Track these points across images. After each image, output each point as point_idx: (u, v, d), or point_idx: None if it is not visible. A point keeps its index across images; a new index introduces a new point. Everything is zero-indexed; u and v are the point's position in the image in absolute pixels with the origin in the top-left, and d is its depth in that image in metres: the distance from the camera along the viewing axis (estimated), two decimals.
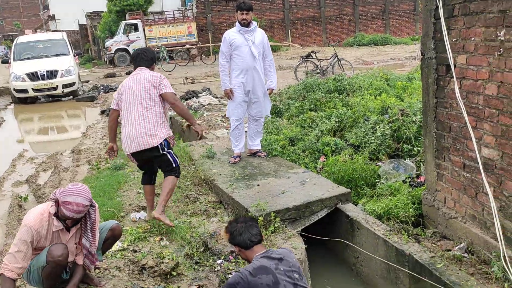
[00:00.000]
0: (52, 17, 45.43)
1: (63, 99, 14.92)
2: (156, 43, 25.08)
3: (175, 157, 4.22)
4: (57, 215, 3.02)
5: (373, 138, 5.90)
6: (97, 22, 33.20)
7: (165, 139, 4.10)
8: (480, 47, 3.38)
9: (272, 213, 4.08)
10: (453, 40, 3.71)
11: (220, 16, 31.75)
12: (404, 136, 5.98)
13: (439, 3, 3.76)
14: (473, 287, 3.12)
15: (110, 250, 3.64)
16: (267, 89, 5.82)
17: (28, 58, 15.46)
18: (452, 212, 3.98)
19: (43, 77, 14.35)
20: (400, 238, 3.88)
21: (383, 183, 5.01)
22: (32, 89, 14.39)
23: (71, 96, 15.07)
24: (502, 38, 3.13)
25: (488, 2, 3.25)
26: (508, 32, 3.08)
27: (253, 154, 5.95)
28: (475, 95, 3.50)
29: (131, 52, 26.42)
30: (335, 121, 6.69)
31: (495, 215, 3.17)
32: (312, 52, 14.49)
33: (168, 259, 3.60)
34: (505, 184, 3.28)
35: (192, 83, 15.75)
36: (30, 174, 6.34)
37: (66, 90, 14.67)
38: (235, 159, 5.81)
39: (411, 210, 4.44)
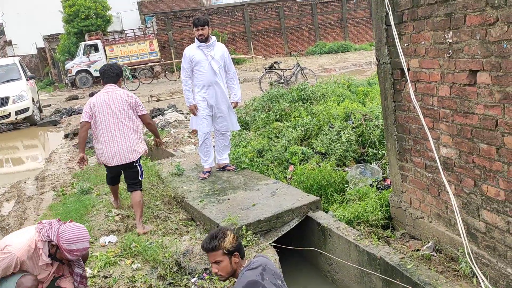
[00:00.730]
0: (9, 43, 44.34)
1: (21, 126, 14.34)
2: (118, 62, 24.83)
3: (142, 170, 4.85)
4: (51, 255, 3.05)
5: (338, 144, 6.00)
6: (55, 45, 32.61)
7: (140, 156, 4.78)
8: (431, 50, 3.50)
9: (243, 226, 4.09)
10: (405, 45, 3.83)
11: (181, 32, 31.76)
12: (369, 141, 6.11)
13: (389, 10, 3.89)
14: (443, 285, 3.19)
15: None
16: (231, 102, 5.82)
17: None
18: (418, 212, 4.07)
19: None
20: (370, 242, 3.94)
21: (351, 188, 5.09)
22: None
23: (28, 124, 14.47)
24: (450, 40, 3.26)
25: (434, 7, 3.38)
26: (455, 34, 3.20)
27: (222, 168, 5.94)
28: (430, 97, 3.62)
29: (93, 73, 26.20)
30: (301, 130, 6.78)
31: (456, 212, 3.27)
32: (274, 63, 14.65)
33: (141, 282, 3.55)
34: (464, 181, 3.38)
35: (157, 100, 15.64)
36: None
37: (20, 116, 13.94)
38: (204, 174, 5.79)
39: (379, 213, 4.52)
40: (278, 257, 3.91)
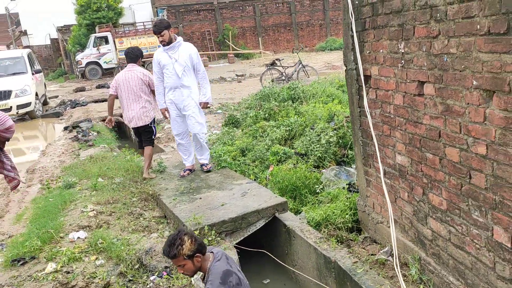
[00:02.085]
0: (24, 33, 44.96)
1: (26, 117, 14.30)
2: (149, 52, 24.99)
3: (155, 131, 6.30)
4: None
5: (318, 146, 6.06)
6: (68, 36, 32.98)
7: (153, 119, 6.13)
8: (387, 59, 3.54)
9: (206, 226, 4.18)
10: (367, 52, 3.87)
11: (192, 25, 31.92)
12: (350, 142, 6.15)
13: (352, 18, 3.93)
14: None
15: (43, 272, 3.70)
16: (200, 103, 5.76)
17: None
18: (379, 217, 4.13)
19: None
20: (329, 245, 4.01)
21: (321, 190, 5.15)
22: None
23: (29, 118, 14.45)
24: (402, 51, 3.29)
25: (390, 16, 3.41)
26: (406, 45, 3.24)
27: (201, 167, 6.04)
28: (387, 105, 3.66)
29: (103, 65, 26.49)
30: (285, 130, 6.84)
31: (391, 217, 3.32)
32: (276, 59, 14.69)
33: (99, 279, 3.67)
34: (415, 189, 3.43)
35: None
36: None
37: (21, 110, 13.92)
38: (184, 172, 5.89)
39: (347, 216, 4.58)
40: (238, 257, 3.99)
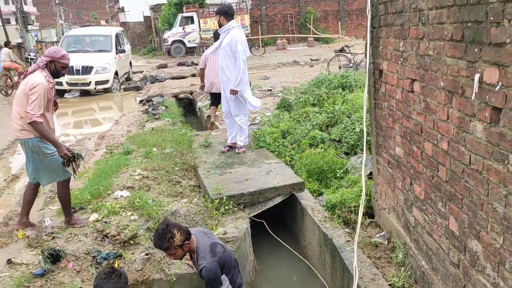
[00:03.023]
0: (122, 9, 48.09)
1: (113, 89, 15.31)
2: (209, 35, 26.09)
3: None
4: (53, 72, 4.38)
5: (352, 134, 6.31)
6: (158, 15, 34.92)
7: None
8: (393, 55, 3.78)
9: (225, 197, 4.71)
10: (380, 48, 4.11)
11: (274, 8, 32.24)
12: None
13: (368, 14, 4.17)
14: (365, 267, 3.58)
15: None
16: (231, 90, 6.01)
17: (72, 51, 15.03)
18: (383, 203, 4.39)
19: (78, 72, 14.35)
20: (331, 224, 4.36)
21: (341, 175, 5.45)
22: (66, 82, 14.36)
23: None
24: (402, 49, 3.53)
25: (395, 16, 3.64)
26: (404, 44, 3.47)
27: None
28: (392, 99, 3.90)
29: (187, 43, 27.86)
30: (326, 116, 7.13)
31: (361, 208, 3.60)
32: (345, 46, 14.70)
33: (128, 230, 4.36)
34: (406, 179, 3.68)
35: None
36: None
37: (99, 87, 14.65)
38: (225, 148, 6.46)
39: (360, 201, 4.87)
40: (247, 226, 4.48)
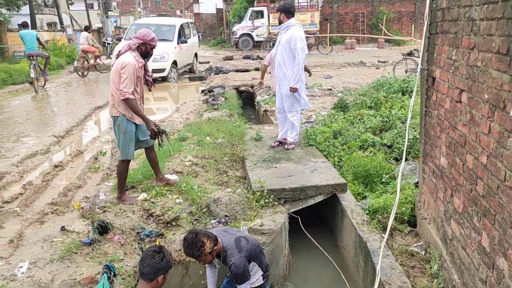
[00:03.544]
0: (196, 1, 49.42)
1: (171, 80, 15.33)
2: (275, 30, 26.22)
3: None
4: (141, 53, 4.76)
5: (405, 140, 6.18)
6: (230, 7, 35.57)
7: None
8: (445, 64, 3.70)
9: (266, 190, 4.83)
10: (435, 55, 4.03)
11: (346, 6, 31.76)
12: None
13: (425, 20, 4.10)
14: (395, 274, 3.56)
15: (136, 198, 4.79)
16: (290, 87, 6.10)
17: None
18: (425, 213, 4.32)
19: None
20: (368, 228, 4.36)
21: (385, 181, 5.38)
22: None
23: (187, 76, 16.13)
24: (454, 58, 3.45)
25: (450, 24, 3.56)
26: (456, 53, 3.40)
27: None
28: (441, 108, 3.83)
29: (255, 37, 28.19)
30: (381, 120, 7.04)
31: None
32: (414, 49, 14.26)
33: (172, 212, 4.60)
34: (447, 190, 3.61)
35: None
36: None
37: (155, 75, 14.29)
38: (274, 143, 6.57)
39: (403, 208, 4.81)
40: (284, 221, 4.58)
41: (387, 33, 29.69)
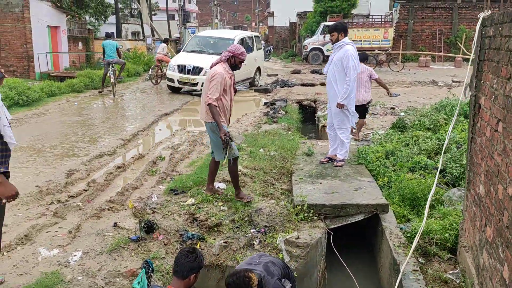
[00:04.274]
0: (271, 14, 50.37)
1: (242, 88, 16.01)
2: (361, 45, 26.04)
3: (368, 109, 8.80)
4: (231, 65, 5.20)
5: (458, 165, 6.05)
6: (303, 21, 35.91)
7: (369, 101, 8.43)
8: (488, 92, 3.67)
9: (306, 204, 4.96)
10: (481, 82, 3.99)
11: (423, 23, 30.96)
12: None
13: (473, 46, 4.08)
14: None
15: (184, 203, 5.12)
16: (337, 103, 6.18)
17: (193, 51, 15.92)
18: (465, 241, 4.25)
19: (188, 72, 14.75)
20: (403, 251, 4.35)
21: (442, 206, 5.29)
22: (178, 80, 14.94)
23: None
24: (495, 86, 3.43)
25: (494, 52, 3.54)
26: (496, 81, 3.37)
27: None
28: (483, 135, 3.79)
29: (325, 52, 28.23)
30: (437, 143, 6.91)
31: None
32: None
33: (215, 218, 4.87)
34: (482, 220, 3.56)
35: None
36: (177, 143, 8.34)
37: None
38: (324, 159, 6.67)
39: (446, 235, 4.74)
40: (320, 236, 4.68)
41: (466, 52, 28.49)
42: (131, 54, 24.18)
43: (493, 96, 3.46)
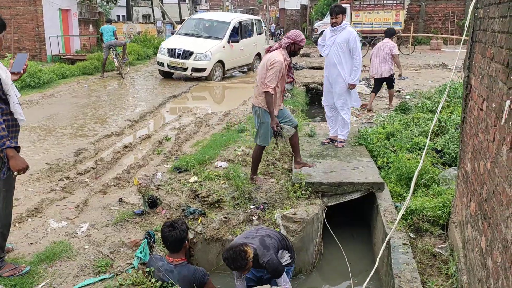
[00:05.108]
0: None
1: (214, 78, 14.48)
2: (359, 28, 25.91)
3: (394, 81, 10.20)
4: (289, 52, 5.14)
5: (455, 146, 6.17)
6: (314, 4, 35.62)
7: (392, 73, 9.85)
8: (477, 72, 3.78)
9: (304, 182, 5.14)
10: (473, 62, 4.09)
11: (436, 5, 30.56)
12: None
13: (465, 28, 4.17)
14: (407, 270, 3.74)
15: (187, 180, 5.33)
16: (348, 84, 6.36)
17: (186, 34, 15.22)
18: (454, 217, 4.40)
19: (178, 56, 14.05)
20: (395, 226, 4.52)
21: (437, 185, 5.44)
22: (167, 64, 14.24)
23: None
24: (482, 67, 3.54)
25: (482, 33, 3.65)
26: (483, 61, 3.49)
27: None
28: (472, 115, 3.91)
29: None
30: (438, 124, 7.01)
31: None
32: None
33: (216, 194, 5.08)
34: (468, 195, 3.71)
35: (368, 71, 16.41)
36: (183, 124, 8.53)
37: (195, 74, 13.97)
38: (325, 140, 6.83)
39: (439, 212, 4.90)
40: (317, 212, 4.87)
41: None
42: (141, 37, 24.33)
43: (481, 76, 3.57)
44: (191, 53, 14.01)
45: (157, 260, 3.58)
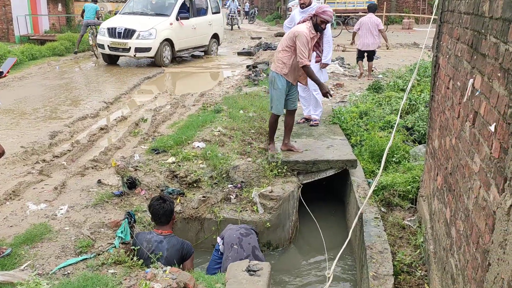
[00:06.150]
0: None
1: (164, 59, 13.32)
2: (333, 7, 25.97)
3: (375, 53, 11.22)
4: (314, 24, 5.14)
5: (425, 123, 6.39)
6: None
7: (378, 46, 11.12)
8: (445, 52, 3.94)
9: (280, 161, 5.27)
10: (441, 43, 4.25)
11: None
12: None
13: (434, 8, 4.32)
14: (379, 241, 3.94)
15: (165, 161, 5.38)
16: (321, 63, 6.45)
17: (130, 13, 14.04)
18: (423, 192, 4.62)
19: (119, 35, 12.78)
20: (368, 201, 4.71)
21: (407, 161, 5.65)
22: (108, 46, 12.93)
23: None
24: (449, 47, 3.70)
25: (449, 14, 3.80)
26: (450, 42, 3.64)
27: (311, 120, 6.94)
28: (439, 93, 4.09)
29: None
30: (408, 103, 7.22)
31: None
32: None
33: (194, 174, 5.16)
34: (435, 170, 3.90)
35: (343, 51, 16.58)
36: (159, 105, 8.53)
37: (139, 54, 12.86)
38: (300, 120, 6.95)
39: (409, 187, 5.12)
40: (293, 190, 5.02)
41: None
42: (112, 16, 23.79)
43: (448, 56, 3.73)
44: (133, 31, 12.77)
45: (146, 234, 3.71)
